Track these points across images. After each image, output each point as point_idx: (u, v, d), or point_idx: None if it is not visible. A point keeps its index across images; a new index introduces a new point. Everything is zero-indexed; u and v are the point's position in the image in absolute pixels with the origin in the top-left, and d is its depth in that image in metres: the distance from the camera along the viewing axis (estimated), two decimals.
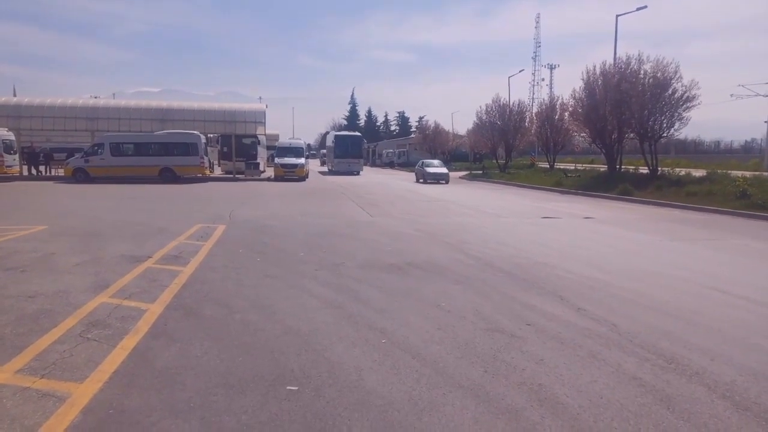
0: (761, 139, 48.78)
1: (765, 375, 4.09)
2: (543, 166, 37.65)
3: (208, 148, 32.45)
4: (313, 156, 75.24)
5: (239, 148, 32.88)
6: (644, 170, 23.48)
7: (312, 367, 4.10)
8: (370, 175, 41.62)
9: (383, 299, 6.06)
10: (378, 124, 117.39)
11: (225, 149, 34.83)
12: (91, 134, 30.54)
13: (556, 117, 33.98)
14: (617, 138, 24.13)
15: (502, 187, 28.43)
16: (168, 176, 27.80)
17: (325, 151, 68.11)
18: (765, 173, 22.80)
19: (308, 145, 77.58)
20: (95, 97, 41.82)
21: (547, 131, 34.97)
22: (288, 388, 3.75)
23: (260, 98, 47.73)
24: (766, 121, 39.59)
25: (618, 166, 24.96)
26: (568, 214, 14.90)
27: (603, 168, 27.32)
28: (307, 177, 33.22)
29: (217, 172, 35.26)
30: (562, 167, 35.35)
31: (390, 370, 4.10)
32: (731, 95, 40.51)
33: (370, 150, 76.82)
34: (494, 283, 6.89)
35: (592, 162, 41.57)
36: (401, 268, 7.69)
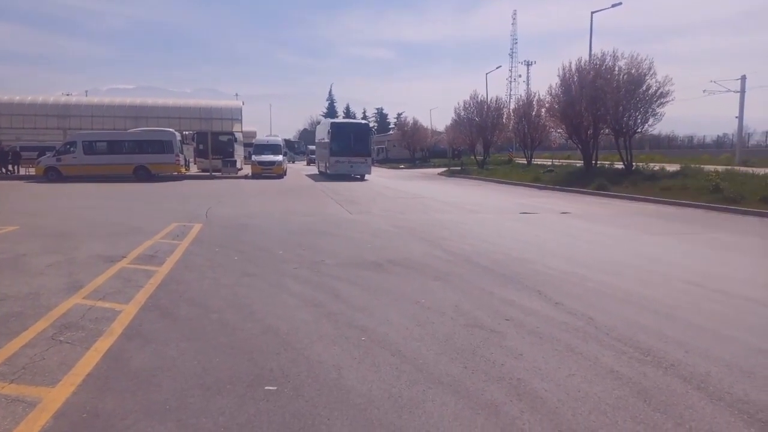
0: (732, 134, 49.88)
1: (738, 366, 4.18)
2: (521, 162, 37.96)
3: (184, 145, 32.00)
4: (299, 153, 69.66)
5: (216, 146, 32.51)
6: (619, 165, 23.82)
7: (291, 367, 4.06)
8: None
9: (363, 297, 6.04)
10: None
11: (201, 147, 34.39)
12: (63, 132, 29.93)
13: (533, 113, 34.26)
14: (593, 134, 24.43)
15: (481, 183, 28.60)
16: (142, 175, 27.35)
17: (313, 147, 55.69)
18: (737, 167, 23.31)
19: (296, 142, 75.55)
20: (67, 95, 40.93)
21: (525, 127, 35.25)
22: (266, 388, 3.71)
23: (237, 95, 43.78)
24: (737, 117, 40.41)
25: (594, 162, 25.27)
26: (545, 210, 15.05)
27: (579, 163, 27.64)
28: (285, 174, 32.98)
29: (193, 170, 34.76)
30: (539, 163, 35.69)
31: (370, 367, 4.08)
32: (704, 91, 41.27)
33: None
34: (473, 278, 6.92)
35: (568, 157, 42.06)
36: (381, 265, 7.68)
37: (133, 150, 27.64)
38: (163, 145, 27.67)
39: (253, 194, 20.15)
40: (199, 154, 35.35)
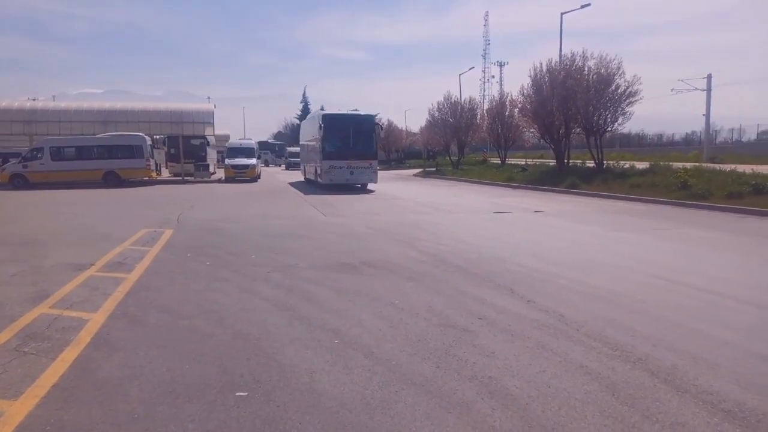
0: (700, 132, 51.07)
1: (703, 358, 4.27)
2: (495, 161, 38.31)
3: (155, 150, 31.49)
4: (276, 156, 64.57)
5: (187, 150, 32.07)
6: (591, 164, 24.21)
7: (262, 372, 4.02)
8: None
9: (336, 299, 6.01)
10: None
11: (172, 151, 33.87)
12: (30, 138, 29.17)
13: (506, 113, 34.61)
14: (564, 133, 24.77)
15: (455, 183, 28.77)
16: (112, 180, 26.83)
17: (294, 149, 51.16)
18: (705, 164, 23.90)
19: (276, 144, 72.69)
20: (33, 99, 39.92)
21: (498, 127, 35.59)
22: (237, 394, 3.66)
23: (209, 98, 41.46)
24: (704, 115, 41.45)
25: (566, 161, 25.63)
26: (519, 209, 15.21)
27: (552, 163, 28.01)
28: (260, 178, 32.68)
29: (165, 174, 34.23)
30: (513, 162, 36.07)
31: (342, 370, 4.06)
32: (672, 90, 42.27)
33: None
34: (447, 278, 6.95)
35: (541, 157, 42.60)
36: (355, 267, 7.66)
37: (102, 155, 27.11)
38: (133, 150, 27.19)
39: (226, 198, 19.93)
40: (171, 158, 34.81)
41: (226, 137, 46.51)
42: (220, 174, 33.34)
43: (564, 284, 6.63)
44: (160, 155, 35.47)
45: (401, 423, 3.28)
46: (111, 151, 27.16)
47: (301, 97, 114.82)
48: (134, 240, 10.03)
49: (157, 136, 34.47)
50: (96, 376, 3.98)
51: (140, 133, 28.31)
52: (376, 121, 24.53)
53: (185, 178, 31.16)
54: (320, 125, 22.66)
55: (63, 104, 31.67)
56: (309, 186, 25.70)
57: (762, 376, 3.95)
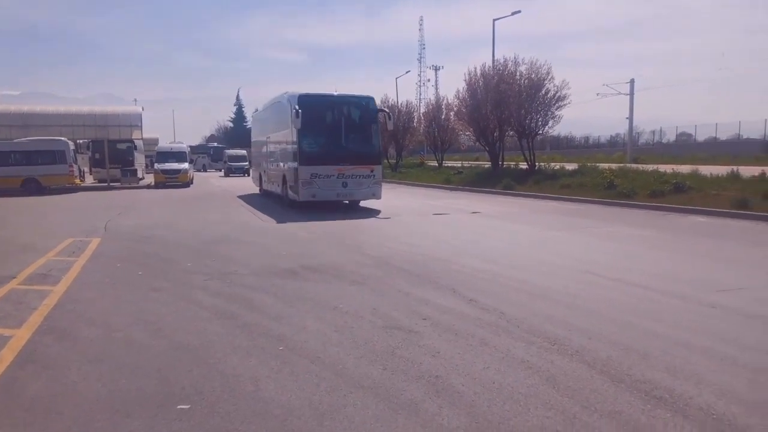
0: (624, 134, 53.92)
1: (636, 349, 4.49)
2: (432, 164, 38.92)
3: (78, 155, 29.87)
4: (212, 160, 59.26)
5: (114, 154, 30.59)
6: (524, 166, 25.05)
7: (205, 383, 3.89)
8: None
9: (279, 306, 5.91)
10: None
11: (97, 156, 32.22)
12: None
13: (443, 117, 35.25)
14: (498, 136, 25.53)
15: (394, 186, 28.99)
16: (32, 187, 25.21)
17: (234, 153, 46.90)
18: (629, 165, 25.26)
19: (212, 147, 68.69)
20: None
21: (435, 131, 36.20)
22: (179, 407, 3.52)
23: (136, 100, 39.03)
24: (627, 118, 43.83)
25: (500, 163, 26.40)
26: (457, 210, 15.51)
27: (487, 165, 28.78)
28: (192, 183, 31.65)
29: (89, 180, 32.51)
30: (450, 165, 36.77)
31: (288, 377, 3.99)
32: (597, 94, 44.39)
33: None
34: (391, 281, 6.98)
35: (477, 159, 43.69)
36: (296, 272, 7.56)
37: (20, 162, 25.42)
38: (54, 156, 25.68)
39: (157, 204, 19.17)
40: (96, 163, 33.11)
41: (156, 141, 44.79)
42: (150, 179, 32.04)
43: (504, 283, 6.81)
44: (84, 161, 33.71)
45: (351, 427, 3.26)
46: (31, 157, 25.52)
47: (234, 100, 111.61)
48: (59, 250, 9.47)
49: (81, 141, 32.72)
50: (23, 396, 3.72)
51: (62, 138, 26.77)
52: (379, 106, 18.10)
53: (111, 184, 29.72)
54: (294, 112, 14.34)
55: None
56: (271, 203, 17.92)
57: (689, 363, 4.20)
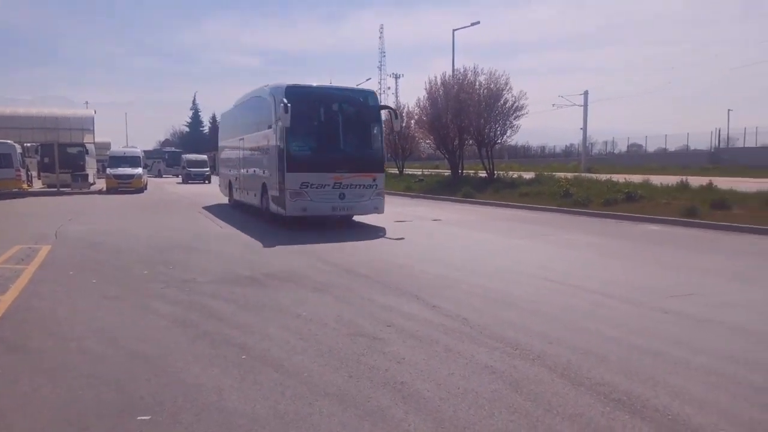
0: (578, 144, 55.58)
1: (594, 353, 4.62)
2: (393, 172, 39.10)
3: (26, 159, 28.66)
4: (167, 165, 56.84)
5: (64, 159, 29.45)
6: (483, 174, 25.46)
7: (165, 393, 3.78)
8: (214, 183, 38.24)
9: (240, 314, 5.81)
10: None
11: (46, 160, 30.95)
12: None
13: (403, 124, 35.47)
14: (458, 144, 25.88)
15: None
16: None
17: (193, 158, 44.45)
18: (583, 174, 26.02)
19: (168, 152, 66.14)
20: None
21: (395, 138, 36.39)
22: (139, 418, 3.41)
23: (87, 103, 37.26)
24: (581, 128, 45.20)
25: (460, 171, 26.76)
26: (418, 217, 15.62)
27: (447, 173, 29.09)
28: (146, 188, 30.81)
29: (38, 185, 31.22)
30: (410, 173, 37.02)
31: (252, 386, 3.92)
32: (553, 105, 45.63)
33: (216, 158, 53.93)
34: (354, 288, 6.96)
35: (437, 167, 44.12)
36: (258, 279, 7.45)
37: None
38: (0, 159, 24.61)
39: (110, 210, 18.56)
40: (45, 168, 31.77)
41: (108, 145, 43.38)
42: (102, 185, 31.01)
43: (466, 289, 6.89)
44: (32, 165, 32.38)
45: None
46: None
47: (191, 104, 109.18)
48: (6, 258, 9.05)
49: (29, 144, 31.44)
50: None
51: (9, 141, 25.68)
52: (382, 102, 15.43)
53: (61, 189, 28.62)
54: (282, 106, 11.65)
55: None
56: (246, 218, 15.09)
57: (644, 366, 4.34)
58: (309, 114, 12.78)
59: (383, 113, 14.22)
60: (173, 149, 67.68)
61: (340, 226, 13.32)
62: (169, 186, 36.95)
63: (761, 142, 49.76)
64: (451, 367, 4.30)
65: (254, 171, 15.31)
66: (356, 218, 14.17)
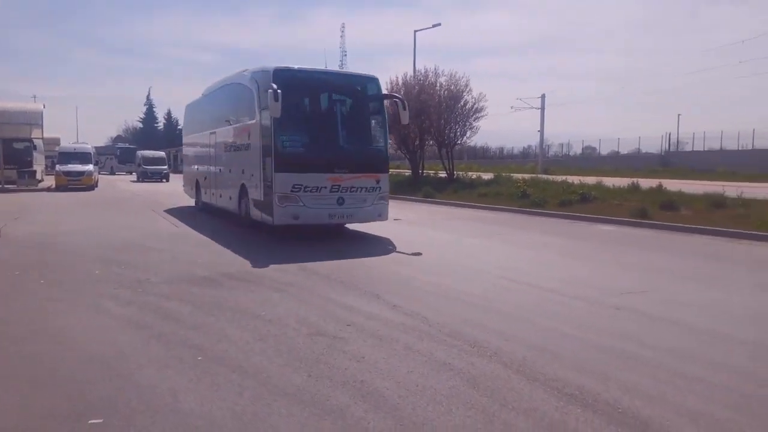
0: (536, 146, 56.76)
1: (549, 350, 4.74)
2: None
3: None
4: (120, 162, 54.75)
5: (10, 154, 28.23)
6: (443, 174, 25.73)
7: (118, 396, 3.68)
8: (176, 183, 37.56)
9: (197, 314, 5.70)
10: (180, 127, 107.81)
11: None
12: None
13: None
14: (419, 145, 26.06)
15: None
16: None
17: (150, 155, 42.69)
18: (540, 175, 26.61)
19: (121, 148, 63.87)
20: None
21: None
22: (91, 422, 3.31)
23: (35, 97, 35.64)
24: (538, 131, 46.19)
25: (421, 171, 26.96)
26: None
27: (408, 173, 29.25)
28: (97, 186, 29.83)
29: None
30: None
31: (209, 387, 3.86)
32: (511, 107, 46.47)
33: (172, 155, 52.21)
34: (314, 287, 6.93)
35: (398, 167, 44.33)
36: (215, 279, 7.33)
37: None
38: None
39: (59, 208, 17.89)
40: None
41: (57, 141, 41.80)
42: (50, 182, 29.88)
43: (425, 288, 6.96)
44: None
45: None
46: None
47: (145, 99, 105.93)
48: None
49: None
50: None
51: None
52: (385, 90, 13.12)
53: (6, 186, 27.44)
54: (271, 93, 9.60)
55: None
56: (219, 225, 13.15)
57: (596, 362, 4.49)
58: (302, 103, 11.11)
59: (387, 104, 12.52)
60: (127, 145, 65.42)
61: (328, 234, 11.74)
62: (121, 183, 35.95)
63: (708, 146, 52.14)
64: (410, 365, 4.34)
65: (230, 170, 13.30)
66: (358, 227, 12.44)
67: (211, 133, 15.16)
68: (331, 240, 11.13)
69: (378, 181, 10.98)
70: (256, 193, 11.12)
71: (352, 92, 11.58)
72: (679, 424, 3.43)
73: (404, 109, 11.63)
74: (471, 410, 3.56)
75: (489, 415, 3.51)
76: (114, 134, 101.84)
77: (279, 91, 9.50)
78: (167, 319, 5.49)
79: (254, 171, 11.18)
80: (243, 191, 12.01)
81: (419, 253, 9.62)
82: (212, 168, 15.18)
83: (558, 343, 4.90)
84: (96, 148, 39.45)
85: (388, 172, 11.60)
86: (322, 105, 11.56)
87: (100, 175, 33.72)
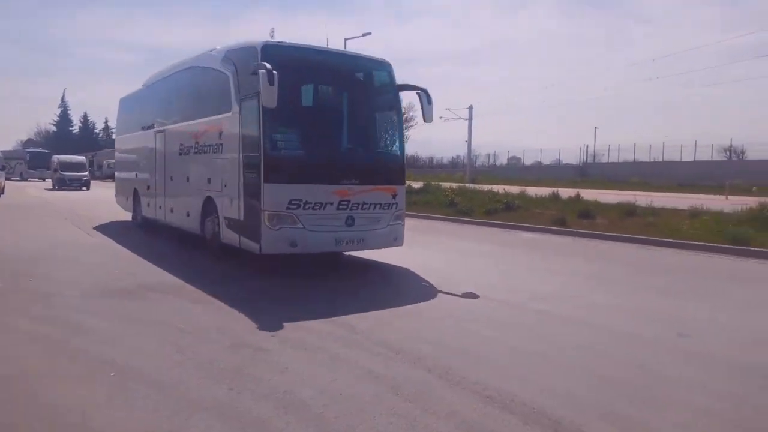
0: (464, 156, 58.36)
1: (471, 354, 4.88)
2: None
3: None
4: (30, 167, 49.58)
5: None
6: None
7: (23, 416, 3.45)
8: (94, 190, 33.45)
9: (112, 328, 5.44)
10: (97, 131, 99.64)
11: None
12: None
13: None
14: None
15: None
16: None
17: (69, 160, 38.02)
18: (468, 185, 27.38)
19: (34, 152, 58.89)
20: None
21: None
22: None
23: None
24: (466, 141, 47.56)
25: None
26: None
27: None
28: (3, 192, 27.79)
29: None
30: None
31: (122, 404, 3.69)
32: (441, 117, 47.48)
33: (88, 160, 44.70)
34: (238, 298, 6.77)
35: None
36: (132, 291, 7.01)
37: None
38: None
39: None
40: None
41: None
42: None
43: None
44: None
45: None
46: None
47: (59, 101, 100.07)
48: None
49: None
50: None
51: None
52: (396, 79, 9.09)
53: None
54: (264, 75, 6.94)
55: None
56: (167, 249, 10.84)
57: (517, 365, 4.67)
58: (298, 90, 8.37)
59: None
60: (39, 149, 61.01)
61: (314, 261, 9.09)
62: (31, 190, 33.41)
63: (622, 158, 55.61)
64: (335, 373, 4.33)
65: (187, 179, 10.50)
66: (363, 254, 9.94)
67: (157, 132, 12.34)
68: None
69: (395, 196, 8.53)
70: (230, 210, 8.46)
71: (362, 79, 9.03)
72: (589, 420, 3.63)
73: (429, 103, 8.85)
74: (393, 416, 3.59)
75: (411, 419, 3.55)
76: (25, 137, 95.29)
77: (275, 72, 6.97)
78: (80, 334, 5.20)
79: (229, 180, 8.53)
80: (208, 206, 9.37)
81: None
82: (158, 175, 12.18)
83: (480, 348, 5.06)
84: (2, 152, 36.62)
85: (405, 184, 9.13)
86: (325, 94, 9.14)
87: (6, 181, 31.15)
